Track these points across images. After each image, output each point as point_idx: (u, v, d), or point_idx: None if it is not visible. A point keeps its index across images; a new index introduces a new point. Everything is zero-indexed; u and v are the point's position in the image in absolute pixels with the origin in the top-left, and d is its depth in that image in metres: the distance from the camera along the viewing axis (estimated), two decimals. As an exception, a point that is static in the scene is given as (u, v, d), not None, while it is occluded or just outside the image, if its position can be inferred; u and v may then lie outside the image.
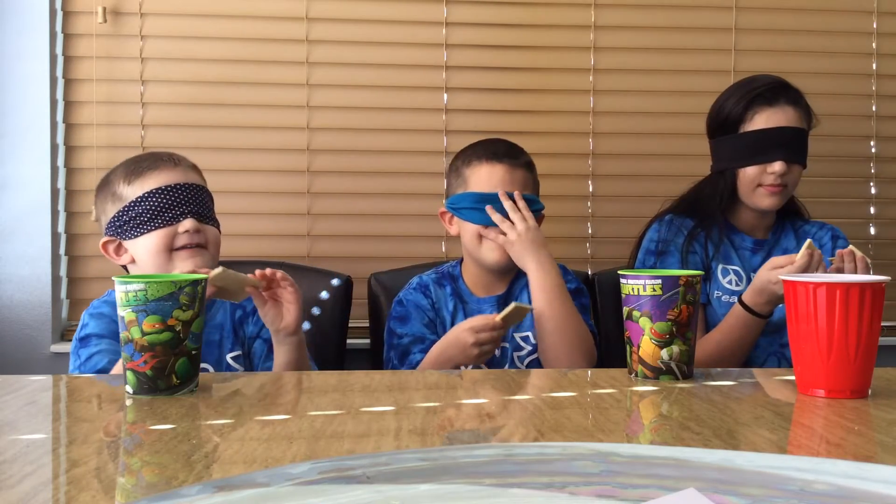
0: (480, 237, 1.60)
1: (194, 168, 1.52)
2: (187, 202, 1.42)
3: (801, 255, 1.47)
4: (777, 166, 1.66)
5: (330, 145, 2.18)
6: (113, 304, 1.44)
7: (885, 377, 1.10)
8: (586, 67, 2.23)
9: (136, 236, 1.41)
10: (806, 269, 1.47)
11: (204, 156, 2.14)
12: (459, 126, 2.19)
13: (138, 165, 1.45)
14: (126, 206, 1.41)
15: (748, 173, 1.70)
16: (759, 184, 1.70)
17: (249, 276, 1.28)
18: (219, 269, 1.24)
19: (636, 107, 2.25)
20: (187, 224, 1.40)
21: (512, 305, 1.44)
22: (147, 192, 1.40)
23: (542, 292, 1.53)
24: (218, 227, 1.50)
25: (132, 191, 1.42)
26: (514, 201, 1.57)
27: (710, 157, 1.82)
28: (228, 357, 1.48)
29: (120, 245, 1.45)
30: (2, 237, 2.08)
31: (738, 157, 1.71)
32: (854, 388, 0.97)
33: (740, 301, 1.58)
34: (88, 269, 2.13)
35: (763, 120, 1.69)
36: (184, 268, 1.38)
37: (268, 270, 1.29)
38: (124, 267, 1.48)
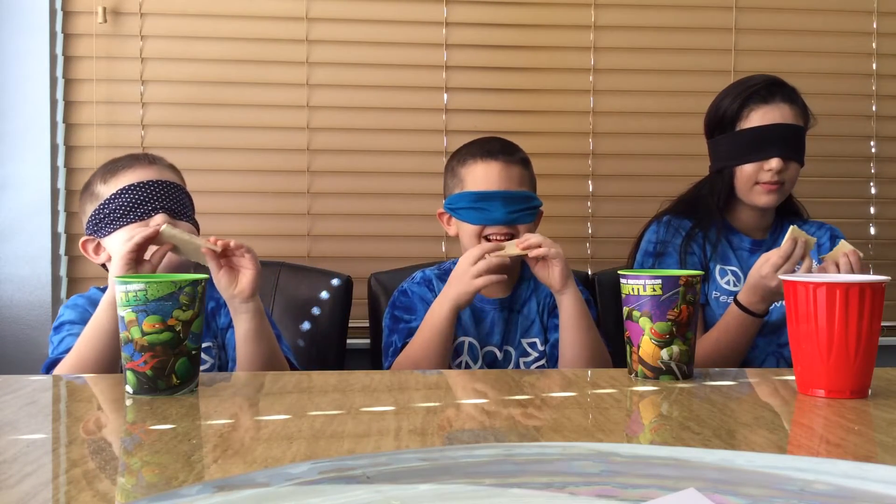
0: (479, 238, 1.59)
1: (172, 168, 1.53)
2: (159, 198, 1.42)
3: (784, 241, 1.49)
4: (773, 163, 1.66)
5: (330, 145, 2.18)
6: (89, 298, 1.46)
7: (885, 377, 1.10)
8: (586, 67, 2.23)
9: (110, 233, 1.42)
10: (790, 255, 1.48)
11: (204, 156, 2.15)
12: (459, 126, 2.19)
13: (115, 165, 1.47)
14: (101, 204, 1.42)
15: (745, 171, 1.70)
16: (756, 181, 1.70)
17: (203, 238, 1.29)
18: (165, 226, 1.28)
19: (636, 107, 2.25)
20: (158, 219, 1.40)
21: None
22: (121, 189, 1.41)
23: (580, 318, 1.50)
24: (196, 226, 1.50)
25: (107, 189, 1.43)
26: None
27: (708, 156, 1.82)
28: None
29: (98, 244, 1.46)
30: (2, 237, 2.08)
31: (734, 155, 1.71)
32: (854, 388, 0.97)
33: (736, 301, 1.58)
34: (88, 269, 2.13)
35: (759, 117, 1.69)
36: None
37: (220, 242, 1.28)
38: (104, 266, 1.48)
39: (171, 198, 1.44)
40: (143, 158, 1.49)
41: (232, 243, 1.28)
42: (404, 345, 1.54)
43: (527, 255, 1.47)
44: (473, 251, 1.48)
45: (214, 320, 1.52)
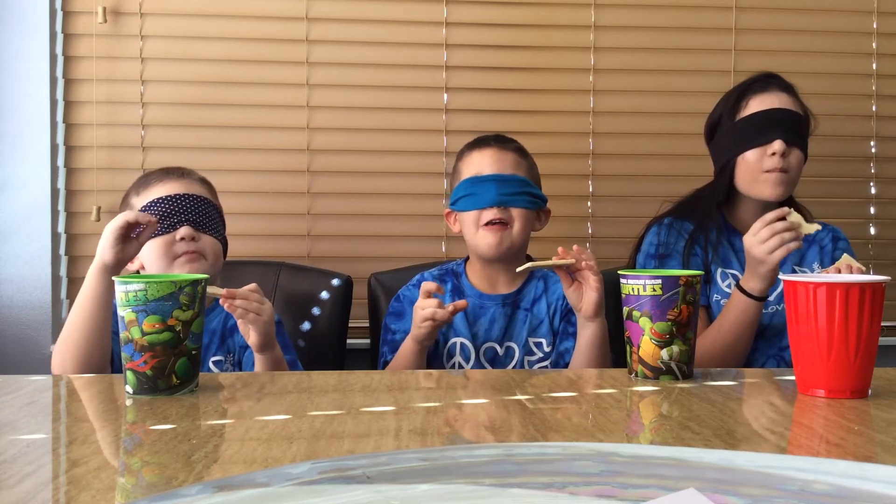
0: (477, 225, 1.58)
1: (203, 182, 1.60)
2: (185, 211, 1.50)
3: (773, 213, 1.46)
4: (777, 145, 1.63)
5: (330, 145, 2.18)
6: None
7: (885, 377, 1.10)
8: (586, 67, 2.23)
9: None
10: (769, 221, 1.44)
11: (204, 156, 2.15)
12: (459, 126, 2.19)
13: (148, 178, 1.57)
14: None
15: (748, 160, 1.67)
16: (761, 170, 1.66)
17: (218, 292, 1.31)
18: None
19: (636, 107, 2.25)
20: (183, 231, 1.48)
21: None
22: (150, 202, 1.49)
23: (601, 345, 1.45)
24: (221, 240, 1.57)
25: (139, 201, 1.52)
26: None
27: (709, 157, 1.81)
28: (210, 361, 1.53)
29: None
30: (2, 237, 2.08)
31: (735, 143, 1.69)
32: (854, 388, 0.97)
33: (737, 285, 1.58)
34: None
35: (757, 104, 1.68)
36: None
37: (227, 302, 1.30)
38: (137, 273, 1.55)
39: (196, 211, 1.51)
40: (174, 172, 1.56)
41: (237, 302, 1.29)
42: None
43: (571, 266, 1.38)
44: (425, 312, 1.42)
45: (231, 337, 1.55)
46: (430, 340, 1.47)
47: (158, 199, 1.49)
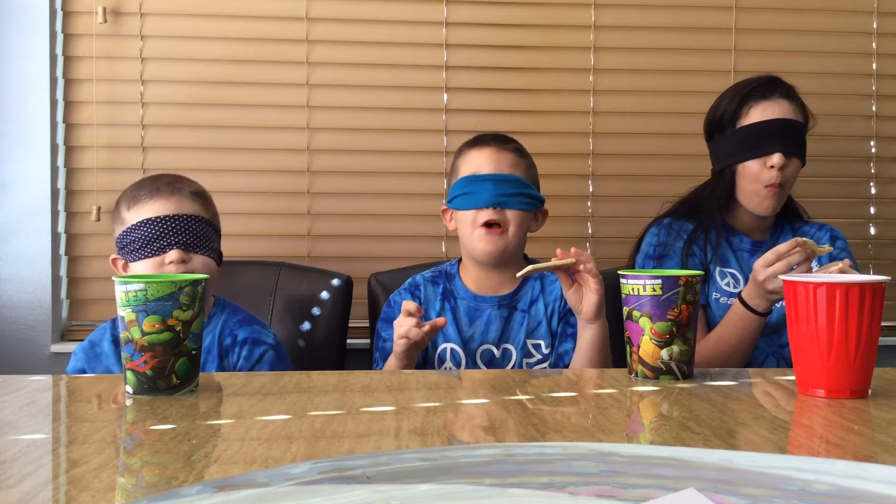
0: (472, 225, 1.56)
1: (195, 195, 1.54)
2: (174, 233, 1.48)
3: (786, 245, 1.43)
4: (776, 158, 1.65)
5: (330, 145, 2.18)
6: (90, 343, 1.53)
7: (885, 377, 1.10)
8: (586, 67, 2.23)
9: (133, 261, 1.49)
10: (783, 253, 1.42)
11: (204, 156, 2.15)
12: (459, 126, 2.19)
13: (139, 192, 1.52)
14: (125, 231, 1.49)
15: (748, 169, 1.69)
16: (758, 183, 1.68)
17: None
18: None
19: (636, 107, 2.25)
20: (172, 255, 1.47)
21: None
22: (139, 222, 1.47)
23: (602, 348, 1.44)
24: (214, 256, 1.53)
25: (130, 217, 1.50)
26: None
27: (709, 157, 1.82)
28: None
29: (126, 263, 1.52)
30: (2, 237, 2.08)
31: (735, 152, 1.70)
32: (854, 388, 0.97)
33: (739, 296, 1.58)
34: (88, 269, 2.13)
35: (758, 113, 1.68)
36: None
37: None
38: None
39: (185, 232, 1.49)
40: (164, 188, 1.51)
41: None
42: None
43: (571, 266, 1.36)
44: (400, 330, 1.42)
45: (227, 358, 1.54)
46: (410, 358, 1.45)
47: (147, 219, 1.46)
